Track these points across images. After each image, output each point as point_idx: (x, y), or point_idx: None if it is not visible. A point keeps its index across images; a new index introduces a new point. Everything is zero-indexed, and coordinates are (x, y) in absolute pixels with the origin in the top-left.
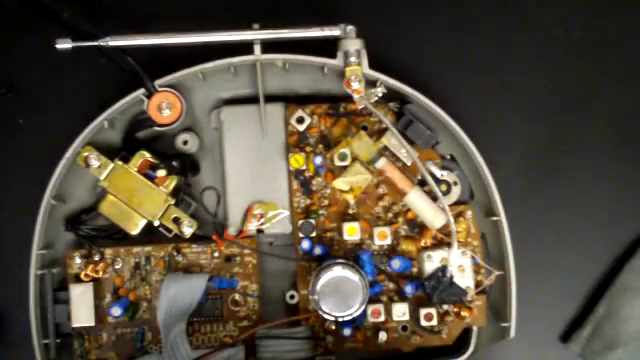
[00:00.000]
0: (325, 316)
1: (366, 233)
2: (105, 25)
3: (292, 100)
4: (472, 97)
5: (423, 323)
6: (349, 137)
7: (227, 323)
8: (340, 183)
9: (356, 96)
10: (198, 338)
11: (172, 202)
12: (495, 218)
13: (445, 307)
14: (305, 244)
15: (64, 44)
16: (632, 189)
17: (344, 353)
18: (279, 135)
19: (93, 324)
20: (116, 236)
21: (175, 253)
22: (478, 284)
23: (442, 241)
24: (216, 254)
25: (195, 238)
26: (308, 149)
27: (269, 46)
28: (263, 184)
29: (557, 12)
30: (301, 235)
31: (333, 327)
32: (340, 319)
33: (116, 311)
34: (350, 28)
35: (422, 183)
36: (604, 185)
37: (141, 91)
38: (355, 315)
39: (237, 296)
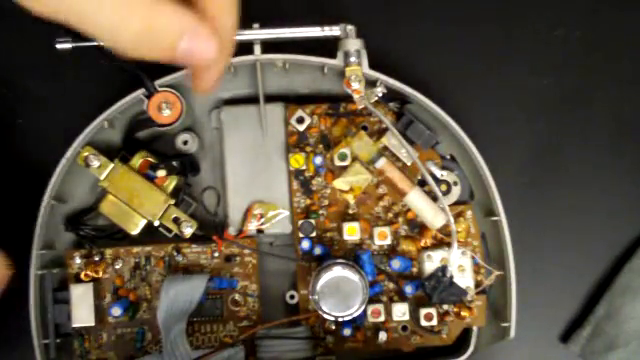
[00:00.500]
0: (325, 316)
1: (366, 233)
2: None
3: (292, 100)
4: (472, 97)
5: (423, 323)
6: (349, 137)
7: (227, 323)
8: (340, 183)
9: (356, 96)
10: (198, 338)
11: (172, 202)
12: (495, 218)
13: (445, 307)
14: (305, 244)
15: (64, 44)
16: (633, 189)
17: (344, 353)
18: (279, 135)
19: (93, 324)
20: (116, 236)
21: (175, 253)
22: (478, 284)
23: (442, 241)
24: (216, 254)
25: (195, 238)
26: (308, 149)
27: (269, 46)
28: (263, 184)
29: (558, 12)
30: (301, 235)
31: (333, 327)
32: (340, 319)
33: (116, 311)
34: (350, 28)
35: (422, 183)
36: (604, 185)
37: (141, 91)
38: (355, 315)
39: (237, 296)
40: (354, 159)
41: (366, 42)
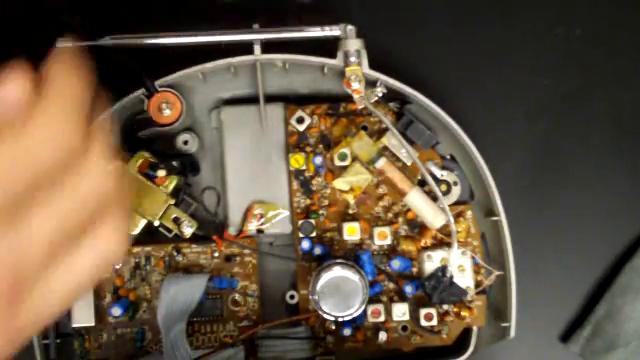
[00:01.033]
0: (325, 316)
1: (366, 233)
2: (105, 25)
3: (292, 100)
4: (472, 97)
5: (423, 323)
6: (349, 137)
7: (227, 323)
8: (340, 183)
9: (356, 96)
10: (198, 338)
11: (172, 202)
12: (495, 218)
13: (445, 307)
14: (305, 244)
15: (64, 44)
16: (633, 189)
17: (344, 353)
18: (279, 135)
19: (93, 324)
20: None
21: (175, 253)
22: (478, 284)
23: (442, 241)
24: (216, 254)
25: (195, 238)
26: (308, 149)
27: (269, 46)
28: (263, 184)
29: (558, 11)
30: (301, 235)
31: (333, 327)
32: (340, 319)
33: (116, 311)
34: (350, 28)
35: (422, 183)
36: (604, 185)
37: (141, 91)
38: (355, 315)
39: (237, 296)
40: (354, 159)
41: (366, 42)
